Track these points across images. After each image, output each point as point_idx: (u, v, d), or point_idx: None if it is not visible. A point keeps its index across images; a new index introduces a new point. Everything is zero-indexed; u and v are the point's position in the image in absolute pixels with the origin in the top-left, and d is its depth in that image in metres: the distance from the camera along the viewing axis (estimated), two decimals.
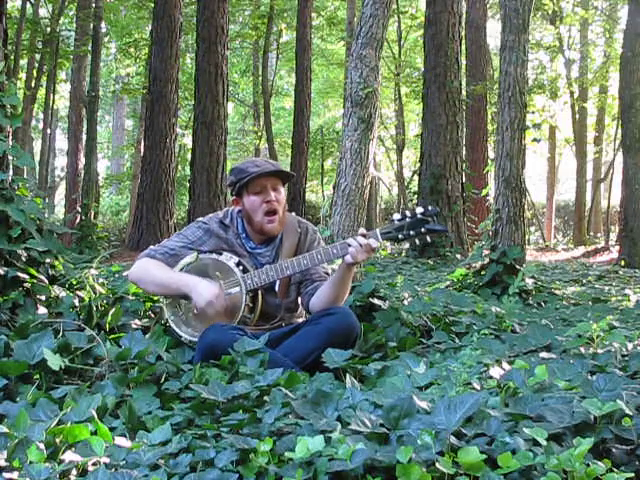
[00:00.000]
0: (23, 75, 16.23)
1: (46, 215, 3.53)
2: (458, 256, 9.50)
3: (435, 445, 1.58)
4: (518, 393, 1.95)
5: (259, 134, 19.99)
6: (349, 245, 2.77)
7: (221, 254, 2.96)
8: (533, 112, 13.29)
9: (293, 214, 3.17)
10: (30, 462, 1.61)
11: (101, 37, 13.31)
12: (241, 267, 2.92)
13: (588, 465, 1.51)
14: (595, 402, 1.74)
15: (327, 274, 3.06)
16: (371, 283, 3.55)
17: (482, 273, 5.54)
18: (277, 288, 2.99)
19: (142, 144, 14.72)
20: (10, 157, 3.41)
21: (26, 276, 3.12)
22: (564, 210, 24.95)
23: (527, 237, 12.20)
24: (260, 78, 18.40)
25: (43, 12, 17.29)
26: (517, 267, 5.33)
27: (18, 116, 3.45)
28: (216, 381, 2.20)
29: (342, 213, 4.28)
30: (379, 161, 23.36)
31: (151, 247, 3.08)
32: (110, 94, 24.88)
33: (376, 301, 3.46)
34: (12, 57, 12.51)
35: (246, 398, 2.11)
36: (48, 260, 3.31)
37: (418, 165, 11.22)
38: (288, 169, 11.39)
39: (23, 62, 16.25)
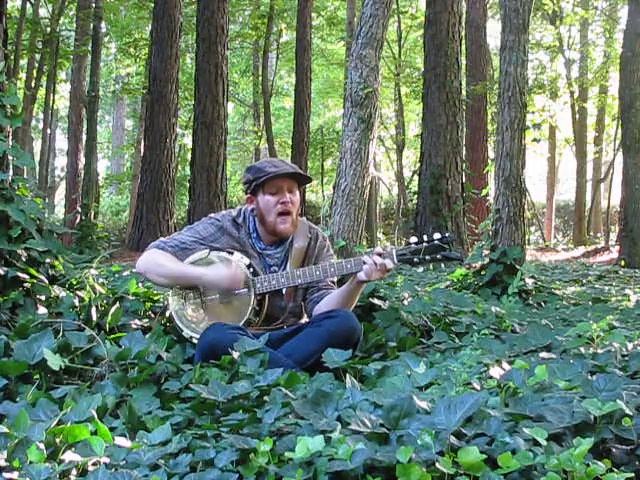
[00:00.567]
0: (23, 75, 16.21)
1: (46, 215, 3.52)
2: None
3: (435, 445, 1.58)
4: (518, 393, 1.95)
5: (259, 134, 19.99)
6: (364, 262, 2.76)
7: (232, 254, 2.94)
8: (533, 112, 13.30)
9: (305, 219, 3.16)
10: (30, 462, 1.61)
11: (101, 37, 13.31)
12: (252, 269, 2.91)
13: (588, 465, 1.51)
14: (595, 402, 1.74)
15: (333, 282, 3.07)
16: (371, 283, 3.54)
17: (482, 273, 5.53)
18: (284, 291, 2.99)
19: (142, 144, 14.73)
20: (10, 157, 3.41)
21: (26, 276, 3.11)
22: (564, 210, 24.96)
23: (527, 237, 12.18)
24: (260, 78, 18.40)
25: (43, 12, 17.29)
26: (517, 267, 5.32)
27: (18, 116, 3.45)
28: (216, 381, 2.20)
29: (342, 213, 4.28)
30: (379, 161, 23.35)
31: (161, 239, 3.05)
32: (110, 94, 24.85)
33: (376, 301, 3.46)
34: (12, 57, 12.50)
35: (246, 398, 2.11)
36: (48, 260, 3.30)
37: (418, 165, 11.22)
38: None
39: (23, 62, 16.24)
